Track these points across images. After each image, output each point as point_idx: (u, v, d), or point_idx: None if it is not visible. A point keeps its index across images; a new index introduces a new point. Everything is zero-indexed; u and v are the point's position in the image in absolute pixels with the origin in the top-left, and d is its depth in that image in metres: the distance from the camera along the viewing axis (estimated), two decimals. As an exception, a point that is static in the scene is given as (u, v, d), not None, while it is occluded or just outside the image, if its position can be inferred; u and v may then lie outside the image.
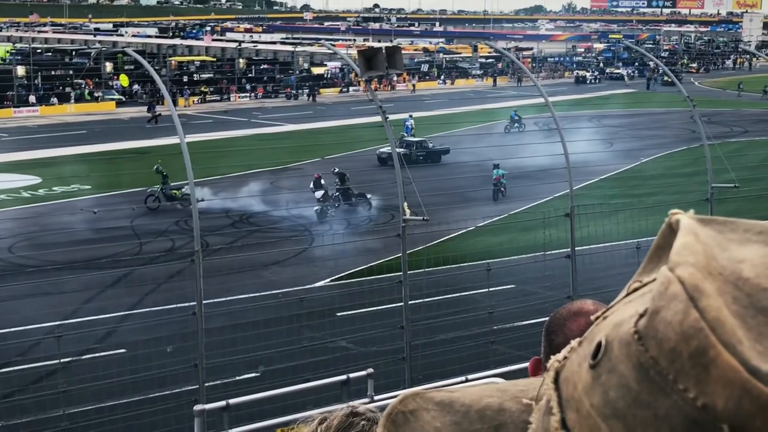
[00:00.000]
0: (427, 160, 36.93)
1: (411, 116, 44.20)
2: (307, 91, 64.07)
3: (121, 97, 57.62)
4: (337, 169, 29.54)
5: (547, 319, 1.98)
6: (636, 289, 0.60)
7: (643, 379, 0.53)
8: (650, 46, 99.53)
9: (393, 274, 16.21)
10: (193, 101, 59.15)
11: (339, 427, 1.48)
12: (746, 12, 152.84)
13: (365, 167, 33.55)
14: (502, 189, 30.69)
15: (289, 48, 79.32)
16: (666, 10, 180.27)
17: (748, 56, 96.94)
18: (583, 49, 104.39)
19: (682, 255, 0.56)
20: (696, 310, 0.52)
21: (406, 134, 44.79)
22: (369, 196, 28.65)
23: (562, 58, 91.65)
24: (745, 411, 0.49)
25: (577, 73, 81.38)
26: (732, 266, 0.56)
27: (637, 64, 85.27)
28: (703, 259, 0.56)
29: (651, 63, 68.13)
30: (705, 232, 0.59)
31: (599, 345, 0.57)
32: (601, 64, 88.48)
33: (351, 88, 66.34)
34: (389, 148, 36.90)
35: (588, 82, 78.26)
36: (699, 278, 0.54)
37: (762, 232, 0.59)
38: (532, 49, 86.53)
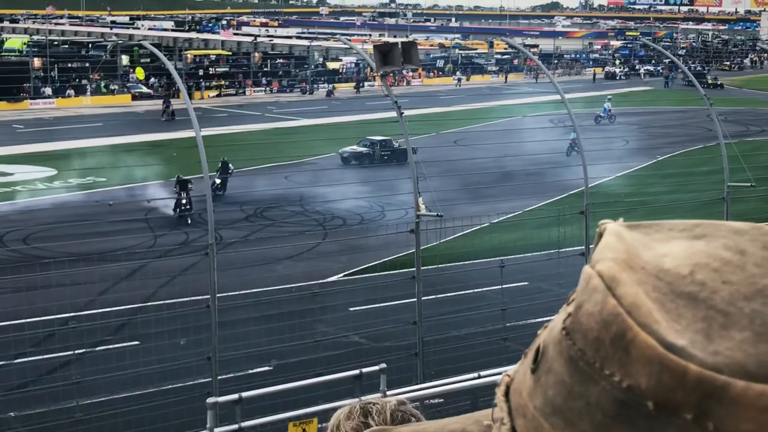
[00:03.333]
0: (392, 159, 35.29)
1: (609, 98, 44.46)
2: (326, 87, 63.99)
3: (149, 90, 57.53)
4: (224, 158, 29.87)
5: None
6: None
7: (575, 372, 0.55)
8: (667, 43, 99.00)
9: (406, 270, 16.21)
10: (209, 95, 59.27)
11: (394, 416, 1.49)
12: (765, 10, 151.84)
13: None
14: (576, 149, 33.70)
15: (305, 42, 79.32)
16: (684, 8, 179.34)
17: (766, 55, 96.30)
18: (599, 46, 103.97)
19: (602, 253, 0.59)
20: (613, 297, 0.55)
21: (603, 115, 45.48)
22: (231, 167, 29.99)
23: (578, 55, 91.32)
24: (666, 385, 0.51)
25: (606, 69, 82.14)
26: (655, 261, 0.58)
27: (653, 61, 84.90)
28: (624, 254, 0.58)
29: (669, 60, 67.83)
30: (631, 235, 0.61)
31: (538, 349, 0.61)
32: (617, 61, 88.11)
33: (366, 84, 66.32)
34: (352, 147, 36.54)
35: (617, 78, 78.55)
36: (616, 270, 0.56)
37: (685, 229, 0.61)
38: (538, 46, 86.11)
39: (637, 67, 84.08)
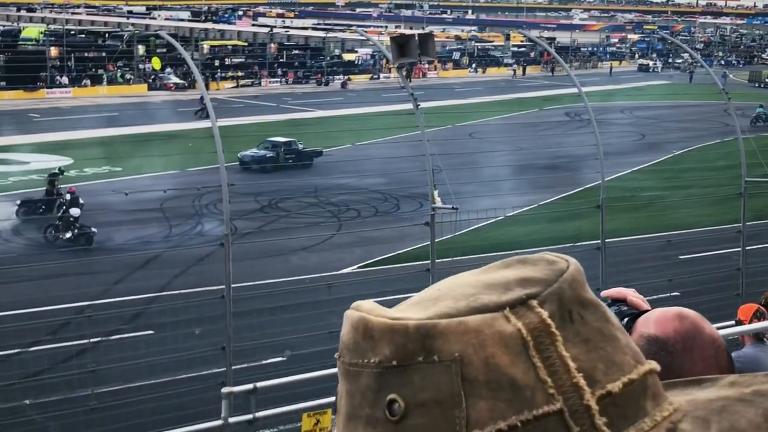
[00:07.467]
0: (297, 162, 33.54)
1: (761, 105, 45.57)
2: (342, 78, 63.73)
3: (183, 81, 57.12)
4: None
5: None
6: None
7: (348, 379, 0.69)
8: (685, 37, 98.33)
9: (420, 262, 16.19)
10: (225, 86, 59.27)
11: None
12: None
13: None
14: (761, 122, 41.76)
15: (321, 34, 79.24)
16: (702, 2, 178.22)
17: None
18: (617, 40, 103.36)
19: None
20: (356, 311, 0.70)
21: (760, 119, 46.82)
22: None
23: (595, 48, 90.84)
24: (398, 343, 0.66)
25: (640, 62, 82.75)
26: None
27: (670, 55, 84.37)
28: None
29: (685, 54, 67.55)
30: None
31: (391, 402, 0.68)
32: (636, 54, 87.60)
33: (382, 75, 66.21)
34: (253, 151, 34.12)
35: (650, 70, 78.32)
36: (358, 303, 0.71)
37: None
38: (555, 39, 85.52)
39: (670, 59, 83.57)
